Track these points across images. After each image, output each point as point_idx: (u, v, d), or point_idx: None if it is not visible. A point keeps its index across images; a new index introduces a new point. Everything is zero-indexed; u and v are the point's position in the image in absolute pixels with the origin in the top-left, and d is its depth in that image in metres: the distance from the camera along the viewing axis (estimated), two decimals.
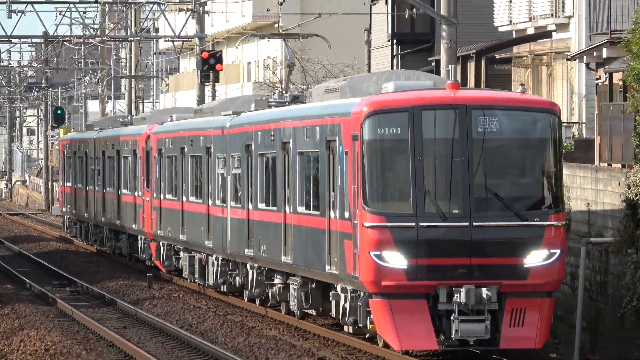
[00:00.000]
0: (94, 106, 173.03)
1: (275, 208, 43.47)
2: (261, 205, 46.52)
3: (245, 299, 54.33)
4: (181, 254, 61.37)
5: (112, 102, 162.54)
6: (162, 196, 59.73)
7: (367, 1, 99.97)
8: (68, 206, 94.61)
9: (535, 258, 32.01)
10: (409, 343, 31.56)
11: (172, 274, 60.02)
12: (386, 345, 35.19)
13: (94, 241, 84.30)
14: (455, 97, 34.75)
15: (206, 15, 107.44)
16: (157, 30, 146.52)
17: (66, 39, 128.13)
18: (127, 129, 73.49)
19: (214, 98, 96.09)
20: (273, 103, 51.56)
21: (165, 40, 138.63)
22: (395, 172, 33.36)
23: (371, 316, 33.97)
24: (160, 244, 62.50)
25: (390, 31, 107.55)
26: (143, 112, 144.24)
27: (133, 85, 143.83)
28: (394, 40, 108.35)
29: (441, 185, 32.48)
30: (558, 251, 32.41)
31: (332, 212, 35.51)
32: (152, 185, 58.29)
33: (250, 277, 48.32)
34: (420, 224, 31.37)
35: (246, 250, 46.56)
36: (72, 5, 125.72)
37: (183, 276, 60.12)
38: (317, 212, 37.95)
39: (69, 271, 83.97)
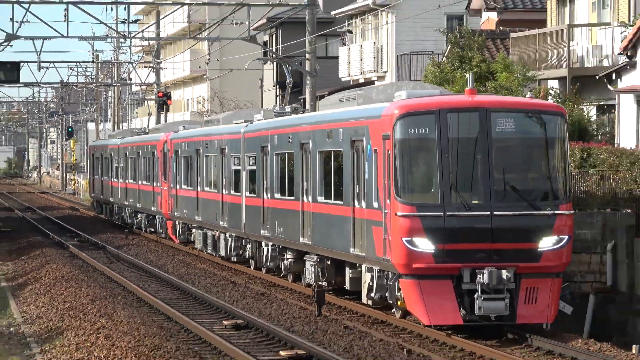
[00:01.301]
0: (91, 126, 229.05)
1: (292, 197, 48.70)
2: (277, 195, 52.34)
3: (252, 268, 63.04)
4: (194, 230, 70.94)
5: (103, 124, 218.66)
6: (178, 186, 69.36)
7: (261, 62, 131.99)
8: (96, 192, 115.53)
9: (547, 243, 35.59)
10: (436, 318, 34.63)
11: (184, 244, 71.80)
12: (403, 317, 40.37)
13: (117, 218, 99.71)
14: (475, 101, 38.19)
15: (161, 70, 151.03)
16: (130, 79, 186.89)
17: (74, 84, 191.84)
18: (146, 136, 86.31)
19: (165, 121, 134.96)
20: (278, 113, 58.86)
21: (136, 85, 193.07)
22: (424, 167, 37.02)
23: (399, 293, 37.63)
24: (176, 223, 73.24)
25: (274, 80, 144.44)
26: (121, 129, 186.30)
27: (116, 113, 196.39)
28: (277, 86, 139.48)
29: (465, 179, 35.91)
30: (566, 237, 35.80)
31: (356, 202, 39.54)
32: (169, 178, 67.46)
33: (265, 252, 55.04)
34: (447, 213, 34.81)
35: (262, 231, 53.34)
36: (78, 64, 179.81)
37: (195, 247, 69.43)
38: (341, 202, 42.30)
39: (77, 228, 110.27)
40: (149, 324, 41.70)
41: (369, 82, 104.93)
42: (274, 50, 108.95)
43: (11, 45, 74.43)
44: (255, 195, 53.45)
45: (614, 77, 61.83)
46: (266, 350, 37.61)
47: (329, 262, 44.35)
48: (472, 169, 36.17)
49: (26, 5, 63.77)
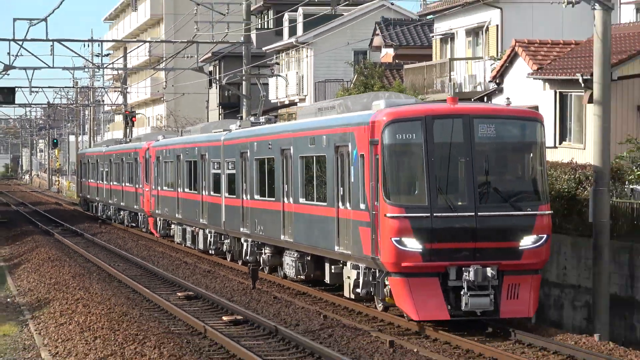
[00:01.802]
0: (72, 138, 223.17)
1: (273, 199, 44.75)
2: (257, 197, 48.33)
3: (228, 259, 57.25)
4: (173, 226, 67.29)
5: (81, 137, 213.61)
6: (159, 188, 65.53)
7: (207, 86, 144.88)
8: (84, 192, 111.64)
9: (528, 242, 33.02)
10: (424, 314, 31.98)
11: (164, 238, 67.64)
12: (385, 310, 37.39)
13: (102, 214, 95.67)
14: (459, 108, 35.44)
15: (127, 94, 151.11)
16: (103, 100, 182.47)
17: (58, 105, 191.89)
18: (129, 145, 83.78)
19: (132, 135, 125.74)
20: (253, 123, 54.82)
21: (107, 106, 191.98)
22: (411, 171, 34.39)
23: (386, 289, 34.70)
24: (157, 219, 69.50)
25: (217, 101, 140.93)
26: (96, 141, 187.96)
27: (92, 128, 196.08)
28: (220, 106, 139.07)
29: (450, 182, 33.33)
30: (545, 236, 33.52)
31: (340, 203, 36.42)
32: (151, 180, 64.11)
33: (245, 247, 51.00)
34: (434, 215, 32.18)
35: (241, 229, 49.28)
36: (61, 89, 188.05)
37: (175, 240, 65.49)
38: (324, 203, 38.96)
39: (60, 219, 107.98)
40: (118, 295, 43.60)
41: (292, 104, 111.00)
42: (217, 78, 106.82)
43: (8, 74, 74.68)
44: (234, 196, 50.02)
45: (485, 99, 63.02)
46: (212, 315, 39.26)
47: (309, 258, 41.54)
48: (456, 172, 33.99)
49: (20, 42, 63.73)
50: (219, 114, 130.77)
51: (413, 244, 32.02)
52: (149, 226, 67.22)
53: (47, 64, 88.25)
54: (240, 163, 46.38)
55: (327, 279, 39.76)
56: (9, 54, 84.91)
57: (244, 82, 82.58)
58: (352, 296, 37.37)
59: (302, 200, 38.94)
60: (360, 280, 35.13)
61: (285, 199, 40.65)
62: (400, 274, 32.18)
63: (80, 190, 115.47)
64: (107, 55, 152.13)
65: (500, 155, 34.47)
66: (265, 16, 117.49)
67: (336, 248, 35.53)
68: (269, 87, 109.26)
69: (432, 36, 78.15)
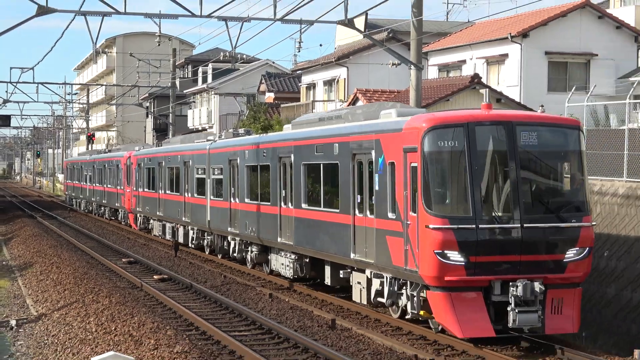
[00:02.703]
0: (50, 151, 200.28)
1: (268, 203, 34.69)
2: (247, 200, 37.62)
3: (207, 252, 45.23)
4: (151, 221, 56.07)
5: (56, 150, 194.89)
6: (140, 189, 55.67)
7: (145, 117, 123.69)
8: (69, 191, 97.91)
9: (572, 254, 24.50)
10: (469, 331, 23.74)
11: (143, 231, 57.85)
12: (402, 317, 26.81)
13: (88, 211, 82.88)
14: (500, 114, 27.35)
15: (89, 120, 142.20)
16: (72, 125, 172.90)
17: (41, 128, 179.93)
18: (110, 154, 72.78)
19: (92, 149, 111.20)
20: (235, 134, 42.67)
21: (75, 129, 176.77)
22: (454, 179, 25.53)
23: (415, 302, 25.33)
24: (137, 215, 58.85)
25: (152, 127, 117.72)
26: (67, 154, 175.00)
27: (64, 144, 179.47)
28: (154, 130, 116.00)
29: (494, 191, 24.85)
30: (588, 248, 25.13)
31: (357, 211, 27.06)
32: (132, 183, 55.88)
33: (232, 245, 39.35)
34: (479, 226, 23.74)
35: (229, 228, 38.02)
36: (44, 116, 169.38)
37: (153, 233, 54.95)
38: (336, 210, 29.30)
39: (41, 207, 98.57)
40: (81, 261, 44.33)
41: (204, 129, 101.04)
42: (152, 111, 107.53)
43: (5, 106, 75.71)
44: (221, 199, 39.49)
45: None
46: (146, 275, 39.04)
47: (307, 260, 32.32)
48: (500, 182, 25.35)
49: (15, 84, 63.15)
50: (153, 136, 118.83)
51: (457, 257, 23.96)
52: (129, 221, 59.61)
53: (33, 99, 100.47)
54: (228, 169, 37.04)
55: (327, 281, 30.68)
56: (6, 92, 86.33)
57: (170, 114, 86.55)
58: (365, 302, 27.96)
59: (304, 205, 30.28)
60: (386, 290, 26.62)
61: (283, 204, 31.85)
62: (442, 289, 24.05)
63: (66, 190, 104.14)
64: (76, 94, 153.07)
65: (544, 163, 26.34)
66: (186, 69, 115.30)
67: (352, 255, 26.70)
68: (187, 118, 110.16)
69: (300, 85, 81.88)
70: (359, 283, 26.84)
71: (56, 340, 24.62)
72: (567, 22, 54.24)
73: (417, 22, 33.75)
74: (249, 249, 37.42)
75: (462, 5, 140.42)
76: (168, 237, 48.11)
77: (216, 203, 39.72)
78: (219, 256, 41.26)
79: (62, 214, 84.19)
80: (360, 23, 47.21)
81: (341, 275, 29.40)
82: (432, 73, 61.64)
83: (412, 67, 33.94)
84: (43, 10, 29.45)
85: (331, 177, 28.41)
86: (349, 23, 33.67)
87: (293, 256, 31.19)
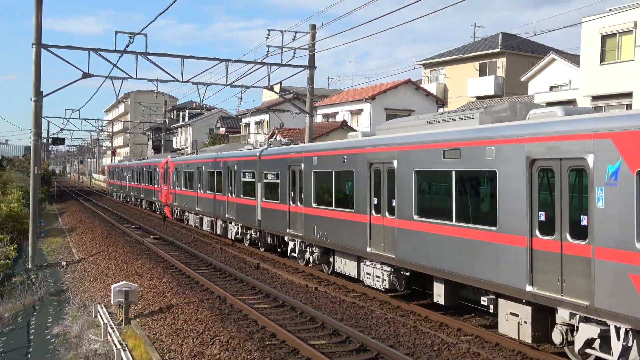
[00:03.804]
0: (89, 160, 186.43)
1: (351, 210, 20.12)
2: (315, 205, 22.36)
3: (247, 244, 29.74)
4: (186, 214, 41.09)
5: (91, 160, 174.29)
6: (177, 188, 41.77)
7: (147, 140, 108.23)
8: (111, 187, 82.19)
9: None
10: None
11: (178, 221, 43.76)
12: None
13: (127, 201, 67.75)
14: None
15: (113, 142, 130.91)
16: (102, 144, 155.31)
17: (85, 146, 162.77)
18: (147, 161, 59.71)
19: (114, 161, 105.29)
20: (285, 143, 28.77)
21: (104, 147, 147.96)
22: None
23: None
24: (174, 208, 44.34)
25: (152, 147, 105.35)
26: (100, 163, 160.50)
27: (97, 157, 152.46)
28: (152, 149, 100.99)
29: None
30: None
31: (538, 231, 11.93)
32: (170, 183, 44.29)
33: (292, 245, 24.45)
34: None
35: (288, 230, 24.31)
36: (85, 139, 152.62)
37: (189, 224, 39.85)
38: (492, 228, 13.29)
39: (83, 194, 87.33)
40: (106, 226, 42.18)
41: (183, 148, 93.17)
42: (151, 137, 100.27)
43: (62, 132, 73.50)
44: (276, 201, 25.81)
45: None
46: (145, 235, 36.67)
47: (407, 274, 17.52)
48: None
49: (64, 124, 62.16)
50: (152, 153, 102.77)
51: None
52: (164, 211, 48.05)
53: (78, 128, 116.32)
54: (287, 174, 24.88)
55: (439, 299, 16.11)
56: (62, 123, 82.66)
57: (162, 139, 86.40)
58: (527, 339, 12.77)
59: (416, 217, 16.82)
60: (619, 347, 10.56)
61: (375, 213, 18.60)
62: None
63: (108, 186, 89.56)
64: (105, 126, 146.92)
65: None
66: (172, 112, 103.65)
67: (528, 287, 12.24)
68: (172, 142, 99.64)
69: (241, 124, 76.43)
70: (514, 315, 13.35)
71: (90, 274, 24.45)
72: (397, 91, 54.21)
73: (310, 89, 33.34)
74: (309, 250, 23.11)
75: (337, 80, 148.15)
76: (206, 228, 35.83)
77: (269, 205, 25.99)
78: (262, 249, 27.87)
79: (95, 198, 76.39)
80: (277, 88, 47.01)
81: (485, 302, 14.57)
82: (319, 119, 59.79)
83: (307, 115, 33.35)
84: (86, 75, 28.99)
85: (475, 187, 14.58)
86: (270, 88, 33.51)
87: (388, 268, 18.10)
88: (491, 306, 13.64)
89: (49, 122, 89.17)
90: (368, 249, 17.96)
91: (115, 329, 15.26)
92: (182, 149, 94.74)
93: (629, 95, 33.14)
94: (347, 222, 19.23)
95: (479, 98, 51.32)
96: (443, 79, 58.36)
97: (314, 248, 22.02)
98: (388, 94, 53.88)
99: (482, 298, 13.77)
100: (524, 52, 52.41)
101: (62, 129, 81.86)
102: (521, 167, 12.28)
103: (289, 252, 24.30)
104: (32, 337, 17.39)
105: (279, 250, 26.69)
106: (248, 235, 29.54)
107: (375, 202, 17.74)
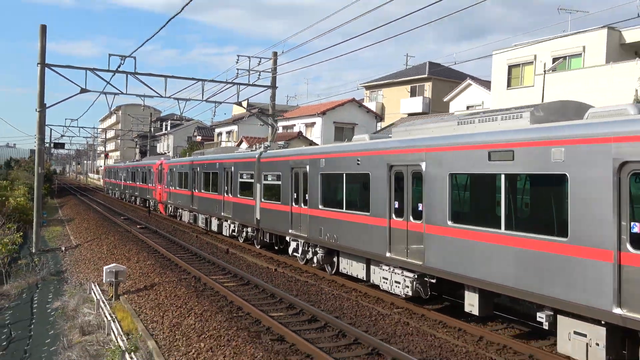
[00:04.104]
0: (85, 162, 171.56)
1: (363, 213, 15.21)
2: (321, 207, 17.67)
3: (241, 241, 25.37)
4: (180, 211, 35.44)
5: (87, 161, 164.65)
6: (172, 187, 36.47)
7: (135, 146, 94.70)
8: (107, 185, 74.45)
9: None
10: None
11: (172, 218, 38.09)
12: None
13: (122, 198, 60.31)
14: None
15: (106, 147, 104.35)
16: (97, 149, 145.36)
17: (82, 150, 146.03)
18: (142, 162, 52.99)
19: (106, 163, 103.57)
20: (282, 146, 24.20)
21: (98, 151, 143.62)
22: None
23: None
24: (168, 206, 38.81)
25: (139, 151, 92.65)
26: (94, 165, 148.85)
27: (92, 159, 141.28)
28: (140, 154, 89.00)
29: None
30: None
31: (628, 245, 7.91)
32: (164, 182, 39.15)
33: (294, 245, 20.15)
34: None
35: (290, 230, 20.01)
36: (82, 144, 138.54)
37: (183, 220, 34.46)
38: (563, 239, 9.25)
39: (79, 189, 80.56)
40: (99, 217, 41.07)
41: (165, 153, 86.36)
42: (139, 143, 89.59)
43: (61, 138, 69.06)
44: (277, 202, 20.82)
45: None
46: (133, 225, 35.11)
47: (433, 281, 13.26)
48: None
49: (63, 131, 59.98)
50: (140, 157, 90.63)
51: None
52: (158, 208, 43.00)
53: (76, 135, 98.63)
54: (290, 176, 20.14)
55: (471, 309, 11.92)
56: (62, 130, 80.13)
57: (148, 145, 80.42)
58: None
59: (450, 223, 11.88)
60: None
61: (395, 216, 13.90)
62: None
63: (104, 184, 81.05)
64: (99, 133, 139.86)
65: None
66: (157, 123, 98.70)
67: (616, 310, 8.25)
68: (157, 148, 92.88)
69: (214, 133, 73.15)
70: (580, 335, 9.57)
71: (85, 258, 24.05)
72: (343, 108, 53.78)
73: (272, 105, 33.00)
74: (312, 250, 18.88)
75: (294, 97, 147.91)
76: (201, 225, 30.70)
77: (269, 205, 21.51)
78: (258, 246, 23.69)
79: (90, 194, 73.44)
80: (244, 104, 46.71)
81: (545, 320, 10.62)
82: (280, 130, 56.87)
83: (270, 126, 32.79)
84: (83, 90, 28.31)
85: (535, 193, 10.55)
86: (239, 104, 33.19)
87: (411, 274, 14.00)
88: (546, 323, 10.13)
89: (51, 129, 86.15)
90: (387, 254, 14.07)
91: (106, 303, 15.01)
92: (165, 153, 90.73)
93: None
94: (360, 225, 15.38)
95: (410, 115, 51.09)
96: (381, 99, 58.63)
97: (318, 248, 18.37)
98: (336, 110, 53.61)
99: (539, 314, 10.15)
100: (446, 77, 52.52)
101: (62, 135, 79.42)
102: (605, 171, 8.82)
103: (290, 251, 20.48)
104: (35, 310, 17.09)
105: (276, 248, 22.77)
106: (244, 233, 25.33)
107: (397, 206, 13.93)
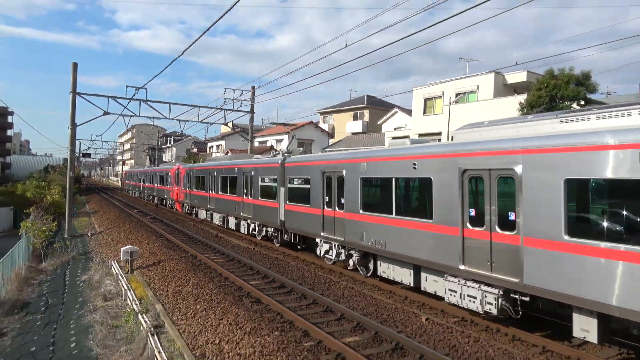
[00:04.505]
0: (107, 167, 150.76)
1: (425, 220, 10.29)
2: (362, 211, 12.61)
3: (259, 238, 20.50)
4: (197, 210, 29.48)
5: (109, 167, 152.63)
6: (188, 189, 30.30)
7: (145, 156, 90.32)
8: (127, 187, 65.02)
9: None
10: None
11: (188, 214, 31.81)
12: None
13: (142, 197, 51.37)
14: None
15: (123, 157, 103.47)
16: (116, 158, 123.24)
17: (104, 159, 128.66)
18: (160, 167, 45.16)
19: (123, 169, 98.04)
20: (302, 152, 20.50)
21: (118, 160, 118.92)
22: None
23: None
24: (185, 205, 32.06)
25: (150, 160, 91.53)
26: (115, 170, 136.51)
27: (113, 165, 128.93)
28: (150, 162, 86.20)
29: None
30: None
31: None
32: (181, 185, 32.78)
33: (326, 247, 14.91)
34: None
35: (322, 233, 14.64)
36: (104, 155, 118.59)
37: (199, 217, 28.78)
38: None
39: (103, 189, 76.61)
40: (120, 211, 37.77)
41: (169, 161, 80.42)
42: (149, 154, 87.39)
43: (88, 149, 66.64)
44: (306, 205, 15.54)
45: None
46: (144, 216, 33.06)
47: (527, 299, 8.41)
48: None
49: (92, 141, 56.38)
50: (150, 164, 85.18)
51: None
52: (175, 207, 35.93)
53: (100, 147, 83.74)
54: (321, 180, 14.73)
55: (586, 337, 7.52)
56: (88, 144, 76.02)
57: (156, 156, 73.48)
58: None
59: (567, 237, 7.24)
60: None
61: (471, 225, 9.11)
62: None
63: (124, 185, 71.28)
64: (117, 146, 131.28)
65: None
66: (164, 138, 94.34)
67: None
68: (163, 157, 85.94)
69: (207, 146, 69.86)
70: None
71: (107, 241, 23.30)
72: (304, 128, 53.14)
73: (251, 126, 32.52)
74: (345, 252, 14.25)
75: (267, 120, 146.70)
76: (217, 222, 25.02)
77: (296, 208, 16.72)
78: (278, 244, 18.97)
79: (111, 192, 69.35)
80: (230, 124, 46.16)
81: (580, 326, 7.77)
82: (256, 144, 56.13)
83: (249, 141, 32.51)
84: (106, 113, 27.61)
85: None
86: (226, 124, 32.87)
87: (495, 290, 8.87)
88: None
89: (80, 142, 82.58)
90: (461, 267, 9.78)
91: (123, 276, 14.66)
92: (169, 161, 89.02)
93: (439, 134, 33.69)
94: (417, 233, 10.99)
95: (353, 134, 51.06)
96: (332, 122, 58.84)
97: (354, 251, 13.94)
98: (299, 129, 52.81)
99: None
100: (379, 107, 52.66)
101: (89, 147, 77.66)
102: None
103: (321, 253, 15.64)
104: (67, 282, 16.61)
105: (298, 247, 18.66)
106: (264, 232, 20.48)
107: (473, 214, 9.64)
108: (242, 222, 22.79)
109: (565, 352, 8.02)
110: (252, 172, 21.47)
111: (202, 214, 29.63)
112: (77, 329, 11.86)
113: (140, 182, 56.89)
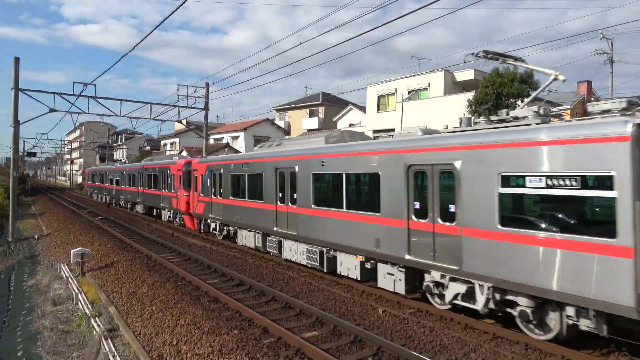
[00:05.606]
0: (54, 167, 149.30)
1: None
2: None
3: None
4: (232, 229, 17.82)
5: (56, 167, 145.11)
6: (217, 197, 17.95)
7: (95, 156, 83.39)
8: (91, 189, 48.66)
9: None
10: None
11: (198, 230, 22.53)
12: None
13: (104, 201, 41.38)
14: None
15: (72, 154, 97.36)
16: (64, 157, 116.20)
17: (50, 157, 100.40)
18: (151, 162, 30.47)
19: (71, 169, 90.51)
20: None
21: (65, 159, 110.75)
22: None
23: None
24: (204, 220, 20.08)
25: (99, 159, 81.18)
26: (62, 169, 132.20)
27: (61, 165, 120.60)
28: (100, 160, 74.37)
29: None
30: None
31: None
32: (199, 189, 20.30)
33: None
34: None
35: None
36: (52, 153, 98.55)
37: (212, 231, 20.05)
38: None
39: (49, 189, 62.52)
40: (68, 212, 35.80)
41: (121, 159, 76.18)
42: (98, 152, 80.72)
43: (34, 148, 62.57)
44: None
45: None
46: (95, 216, 31.65)
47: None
48: None
49: (38, 139, 53.22)
50: (99, 162, 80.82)
51: None
52: (184, 222, 23.89)
53: (46, 146, 78.53)
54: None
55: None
56: (34, 142, 71.72)
57: (107, 154, 70.67)
58: None
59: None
60: None
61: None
62: None
63: (87, 187, 53.38)
64: (65, 145, 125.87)
65: None
66: (114, 136, 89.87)
67: None
68: (114, 156, 80.00)
69: (161, 144, 66.53)
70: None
71: (55, 244, 22.30)
72: (260, 125, 53.07)
73: (205, 123, 32.09)
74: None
75: (222, 117, 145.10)
76: (305, 262, 13.49)
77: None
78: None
79: (58, 193, 68.69)
80: (184, 122, 45.21)
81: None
82: (211, 141, 55.49)
83: (204, 139, 32.15)
84: (51, 110, 26.46)
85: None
86: (180, 121, 32.20)
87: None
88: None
89: (24, 141, 78.28)
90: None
91: (74, 279, 14.16)
92: (120, 160, 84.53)
93: (392, 129, 34.39)
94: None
95: (309, 130, 51.11)
96: (288, 119, 58.77)
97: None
98: (255, 126, 52.82)
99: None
100: (334, 104, 52.96)
101: (34, 146, 74.02)
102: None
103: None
104: (12, 288, 15.74)
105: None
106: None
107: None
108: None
109: (514, 338, 8.55)
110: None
111: (250, 241, 17.02)
112: (25, 337, 11.36)
113: (110, 183, 40.74)
